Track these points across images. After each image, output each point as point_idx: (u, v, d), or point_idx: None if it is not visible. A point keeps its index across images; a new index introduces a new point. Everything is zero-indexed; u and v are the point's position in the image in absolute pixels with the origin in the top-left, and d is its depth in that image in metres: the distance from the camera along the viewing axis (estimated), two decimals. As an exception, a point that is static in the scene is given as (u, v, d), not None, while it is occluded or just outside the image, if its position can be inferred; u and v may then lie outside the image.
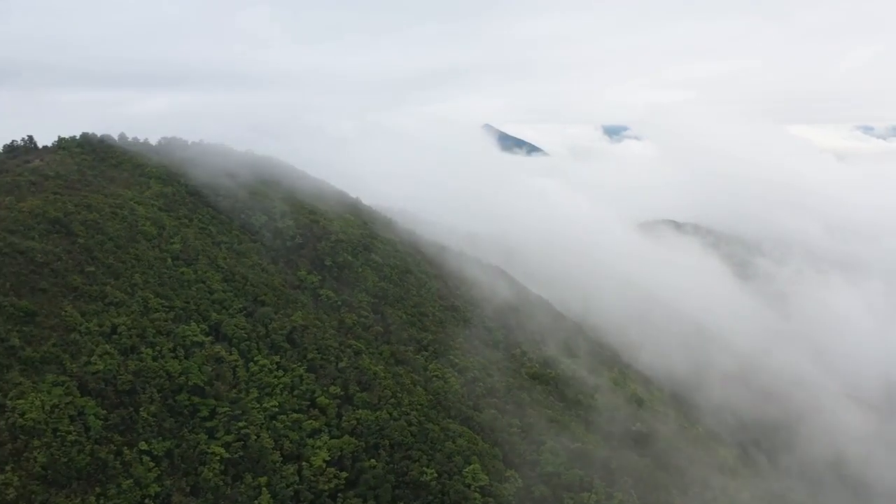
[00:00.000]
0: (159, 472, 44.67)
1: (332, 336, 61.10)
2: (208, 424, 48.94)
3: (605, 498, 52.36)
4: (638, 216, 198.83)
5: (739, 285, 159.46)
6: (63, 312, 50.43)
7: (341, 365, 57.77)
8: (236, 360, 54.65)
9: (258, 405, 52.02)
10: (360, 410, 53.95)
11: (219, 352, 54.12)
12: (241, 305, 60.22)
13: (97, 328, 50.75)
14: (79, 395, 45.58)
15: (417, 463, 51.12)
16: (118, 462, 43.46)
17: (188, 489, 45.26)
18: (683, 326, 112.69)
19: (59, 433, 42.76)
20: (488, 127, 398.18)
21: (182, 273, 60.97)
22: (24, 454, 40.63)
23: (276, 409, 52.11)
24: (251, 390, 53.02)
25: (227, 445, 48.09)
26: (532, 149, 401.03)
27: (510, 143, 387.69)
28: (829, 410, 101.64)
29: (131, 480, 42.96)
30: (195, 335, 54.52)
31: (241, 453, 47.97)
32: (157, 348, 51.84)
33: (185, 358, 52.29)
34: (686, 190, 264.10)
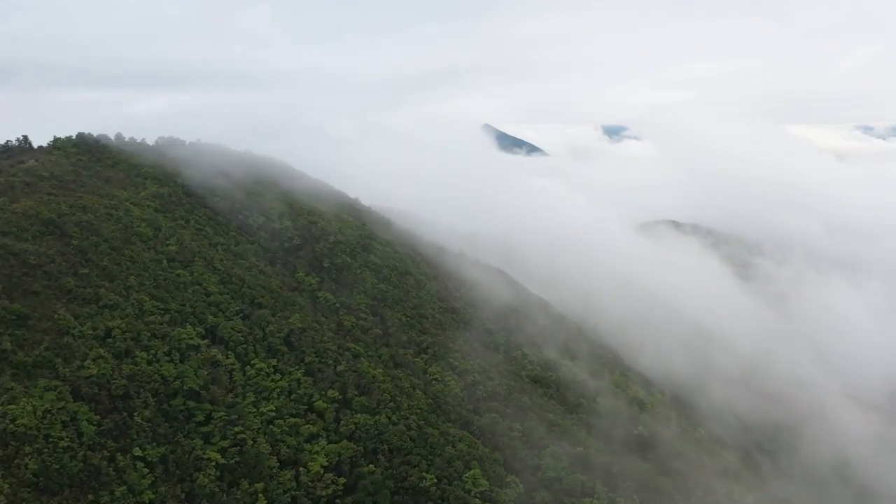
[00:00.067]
0: (153, 479, 43.86)
1: (331, 339, 60.27)
2: (204, 429, 48.12)
3: None
4: (638, 216, 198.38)
5: (740, 286, 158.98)
6: (56, 315, 49.56)
7: (339, 368, 56.95)
8: (233, 364, 53.81)
9: (255, 409, 51.20)
10: (359, 415, 53.14)
11: (215, 355, 53.28)
12: (237, 308, 59.37)
13: (91, 331, 49.89)
14: (71, 400, 44.72)
15: (417, 468, 50.34)
16: (111, 468, 42.64)
17: (183, 496, 44.43)
18: (684, 327, 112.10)
19: (51, 439, 41.91)
20: (488, 127, 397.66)
21: (178, 275, 60.10)
22: (15, 461, 39.78)
23: (273, 414, 51.29)
24: (248, 394, 52.19)
25: (223, 451, 47.28)
26: (532, 149, 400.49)
27: (510, 143, 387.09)
28: (832, 412, 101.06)
29: (125, 487, 42.13)
30: (191, 338, 53.67)
31: (238, 459, 47.17)
32: (152, 352, 50.99)
33: (180, 361, 51.44)
34: (686, 190, 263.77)
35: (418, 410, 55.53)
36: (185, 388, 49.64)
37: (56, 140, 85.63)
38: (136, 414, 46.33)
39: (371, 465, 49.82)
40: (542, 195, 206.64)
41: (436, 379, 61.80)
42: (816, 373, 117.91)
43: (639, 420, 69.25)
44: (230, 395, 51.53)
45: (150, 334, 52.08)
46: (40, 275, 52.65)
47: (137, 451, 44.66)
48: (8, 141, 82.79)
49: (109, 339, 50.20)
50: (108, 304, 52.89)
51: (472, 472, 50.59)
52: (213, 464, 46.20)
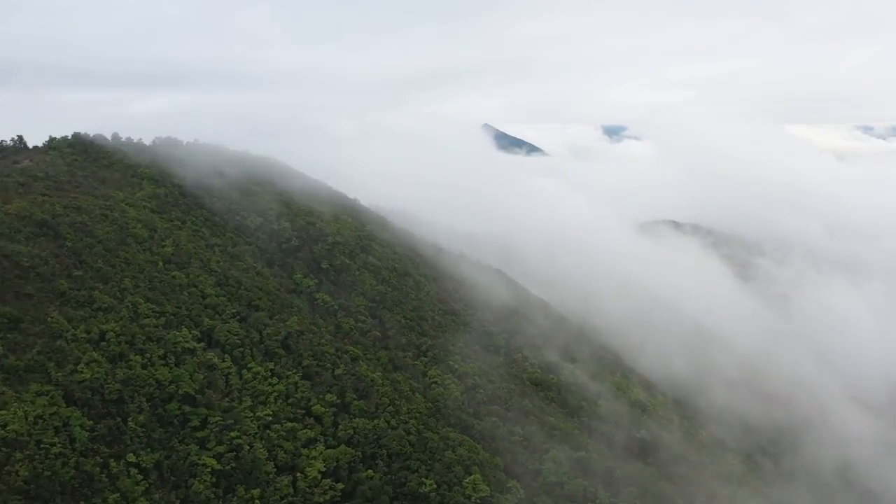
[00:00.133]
0: (147, 486, 43.03)
1: (329, 342, 59.45)
2: (199, 435, 47.28)
3: (610, 509, 50.85)
4: (638, 216, 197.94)
5: (740, 286, 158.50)
6: (49, 319, 48.70)
7: (338, 372, 56.12)
8: (229, 368, 52.97)
9: (251, 414, 50.36)
10: (357, 419, 52.33)
11: (211, 359, 52.44)
12: (234, 310, 58.52)
13: (84, 335, 49.02)
14: (64, 406, 43.88)
15: (416, 473, 49.57)
16: (104, 475, 41.80)
17: (178, 503, 43.58)
18: (684, 328, 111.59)
19: (42, 445, 41.07)
20: (488, 127, 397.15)
21: (174, 277, 59.24)
22: (6, 468, 38.92)
23: (270, 418, 50.46)
24: (244, 398, 51.35)
25: (218, 456, 46.45)
26: (532, 149, 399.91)
27: (510, 143, 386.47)
28: (834, 414, 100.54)
29: (118, 494, 41.30)
30: (186, 341, 52.82)
31: (234, 465, 46.34)
32: (147, 355, 50.14)
33: (175, 365, 50.60)
34: (686, 190, 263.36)
35: (418, 414, 54.73)
36: (180, 392, 48.80)
37: (51, 140, 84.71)
38: (130, 419, 45.50)
39: (370, 471, 49.03)
40: (542, 195, 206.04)
41: (435, 382, 61.01)
42: (817, 374, 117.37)
43: (640, 423, 68.50)
44: (226, 399, 50.69)
45: (144, 337, 51.23)
46: (33, 277, 51.77)
47: (131, 457, 43.83)
48: (2, 141, 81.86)
49: (103, 343, 49.34)
50: (102, 307, 52.03)
51: (472, 477, 49.81)
52: (209, 470, 45.38)
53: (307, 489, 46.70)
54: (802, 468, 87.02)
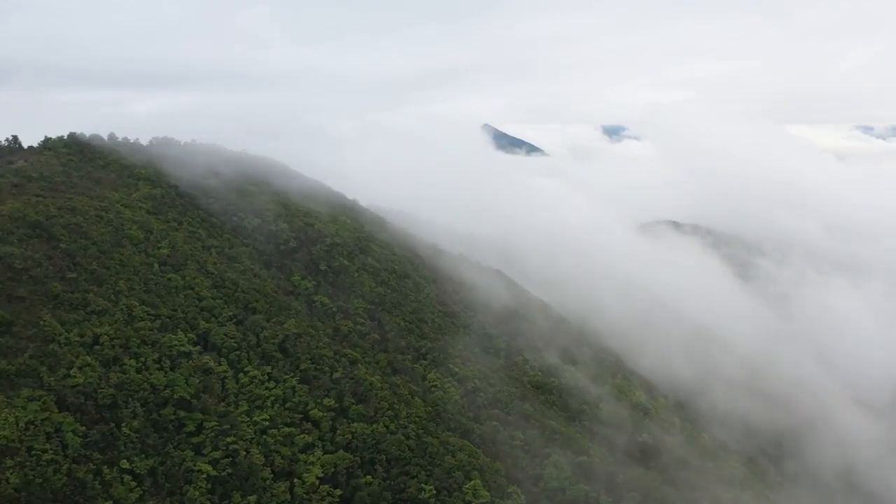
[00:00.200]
0: (141, 492, 42.16)
1: (327, 345, 58.62)
2: (195, 440, 46.44)
3: (612, 515, 50.10)
4: (638, 216, 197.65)
5: (740, 286, 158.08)
6: (42, 322, 47.82)
7: (336, 375, 55.31)
8: (225, 371, 52.11)
9: (248, 419, 49.52)
10: (356, 424, 51.52)
11: (207, 362, 51.58)
12: (231, 313, 57.67)
13: (78, 338, 48.15)
14: (56, 411, 43.01)
15: (415, 479, 48.80)
16: (97, 482, 40.92)
17: (172, 510, 42.75)
18: (685, 328, 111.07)
19: (34, 452, 40.21)
20: (488, 127, 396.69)
21: (169, 279, 58.38)
22: (-4, 475, 38.07)
23: (267, 423, 49.63)
24: (241, 403, 50.51)
25: (214, 462, 45.60)
26: (532, 149, 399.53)
27: (510, 143, 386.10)
28: (836, 416, 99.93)
29: (111, 502, 40.43)
30: (182, 345, 51.96)
31: (230, 470, 45.48)
32: (142, 359, 49.27)
33: (170, 369, 49.74)
34: (686, 190, 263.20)
35: (417, 419, 53.93)
36: (175, 396, 47.94)
37: (47, 140, 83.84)
38: (123, 424, 44.62)
39: (368, 476, 48.25)
40: (542, 195, 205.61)
41: (435, 386, 60.22)
42: (819, 375, 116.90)
43: (642, 427, 67.76)
44: (222, 403, 49.83)
45: (139, 341, 50.36)
46: (26, 279, 50.89)
47: (125, 464, 42.96)
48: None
49: (97, 347, 48.46)
50: (96, 310, 51.15)
51: (472, 482, 49.04)
52: (204, 476, 44.52)
53: (305, 495, 45.88)
54: (805, 471, 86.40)
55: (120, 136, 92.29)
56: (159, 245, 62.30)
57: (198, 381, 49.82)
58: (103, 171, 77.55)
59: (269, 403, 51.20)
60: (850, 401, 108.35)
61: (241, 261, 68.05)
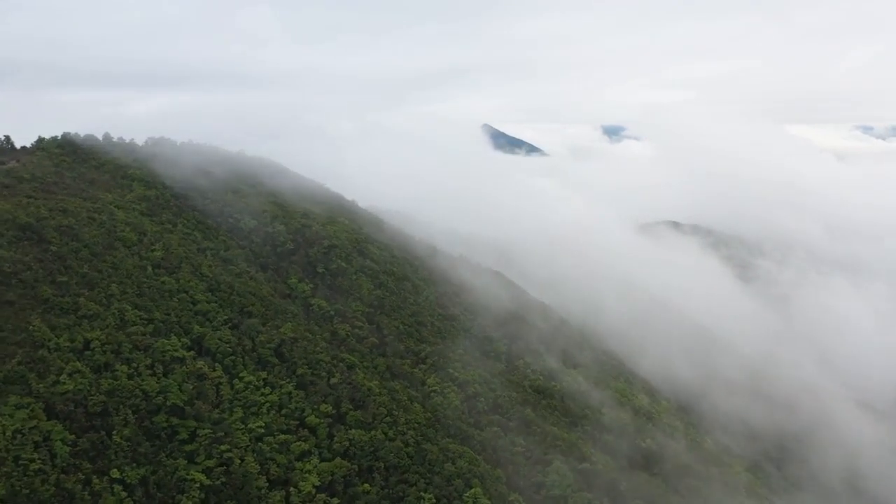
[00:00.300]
0: (132, 503, 40.94)
1: (324, 349, 57.45)
2: (188, 448, 45.24)
3: (616, 523, 48.99)
4: (638, 217, 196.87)
5: (741, 287, 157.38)
6: (31, 327, 46.61)
7: (333, 381, 54.15)
8: (220, 377, 50.91)
9: (243, 426, 48.33)
10: (353, 430, 50.37)
11: (201, 368, 50.38)
12: (225, 317, 56.46)
13: (68, 344, 46.95)
14: (45, 419, 41.81)
15: (415, 487, 47.68)
16: (87, 492, 39.74)
17: (164, 521, 41.59)
18: (685, 329, 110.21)
19: (21, 461, 39.00)
20: (488, 127, 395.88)
21: (163, 282, 57.15)
22: (-19, 486, 36.88)
23: (263, 431, 48.45)
24: (235, 410, 49.31)
25: (207, 471, 44.40)
26: (531, 149, 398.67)
27: (510, 143, 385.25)
28: (839, 418, 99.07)
29: (101, 513, 39.24)
30: (175, 350, 50.75)
31: (224, 479, 44.31)
32: (134, 365, 48.06)
33: (163, 375, 48.53)
34: (685, 190, 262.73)
35: (416, 425, 52.79)
36: (168, 403, 46.74)
37: (40, 140, 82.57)
38: (114, 432, 43.42)
39: (366, 485, 47.13)
40: (542, 196, 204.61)
41: (434, 391, 59.07)
42: (820, 376, 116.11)
43: (645, 432, 66.66)
44: (216, 410, 48.63)
45: (131, 346, 49.15)
46: (15, 283, 49.66)
47: (115, 473, 41.76)
48: (-11, 141, 79.66)
49: (87, 352, 47.26)
50: (87, 315, 49.93)
51: (472, 490, 47.94)
52: (198, 485, 43.32)
53: (301, 505, 44.72)
54: (809, 475, 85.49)
55: (119, 136, 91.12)
56: (153, 247, 61.07)
57: (191, 387, 48.61)
58: (97, 171, 76.29)
59: (264, 410, 50.03)
60: (852, 403, 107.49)
61: (237, 263, 66.83)
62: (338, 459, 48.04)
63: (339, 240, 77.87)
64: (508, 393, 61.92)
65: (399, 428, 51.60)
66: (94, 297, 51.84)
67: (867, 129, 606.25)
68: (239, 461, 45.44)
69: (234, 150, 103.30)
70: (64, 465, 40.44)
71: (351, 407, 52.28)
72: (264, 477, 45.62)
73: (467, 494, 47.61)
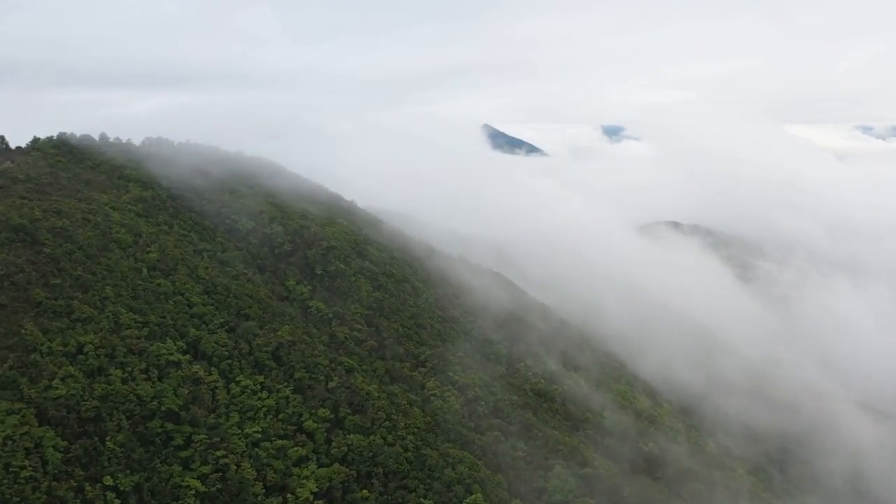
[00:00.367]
0: (126, 511, 40.15)
1: (322, 353, 56.62)
2: (183, 454, 44.42)
3: (618, 529, 48.22)
4: (638, 217, 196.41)
5: (741, 287, 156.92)
6: (23, 330, 45.77)
7: (331, 385, 53.33)
8: (216, 381, 50.07)
9: (239, 431, 47.50)
10: (352, 435, 49.56)
11: (196, 372, 49.55)
12: (222, 320, 55.62)
13: (60, 348, 46.10)
14: (36, 425, 40.99)
15: (414, 493, 46.90)
16: (79, 500, 38.98)
17: (159, 529, 40.78)
18: (686, 330, 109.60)
19: (11, 468, 38.19)
20: (487, 127, 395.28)
21: (158, 285, 56.31)
22: (-29, 495, 36.09)
23: (259, 436, 47.62)
24: (231, 414, 48.49)
25: (203, 478, 43.59)
26: (531, 149, 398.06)
27: (510, 143, 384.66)
28: (841, 420, 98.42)
29: (93, 522, 38.45)
30: (171, 354, 49.92)
31: (220, 486, 43.49)
32: (128, 369, 47.22)
33: (158, 380, 47.70)
34: (686, 190, 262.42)
35: (415, 430, 52.00)
36: (162, 408, 45.92)
37: (35, 140, 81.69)
38: (107, 438, 42.60)
39: (365, 491, 46.33)
40: (542, 196, 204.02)
41: (434, 394, 58.25)
42: (821, 377, 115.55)
43: (647, 435, 65.91)
44: (212, 415, 47.80)
45: (125, 350, 48.31)
46: (7, 286, 48.82)
47: (108, 480, 40.95)
48: (-17, 141, 78.76)
49: (81, 356, 46.42)
50: (80, 318, 49.10)
51: (473, 496, 47.16)
52: (193, 492, 42.51)
53: (298, 512, 43.90)
54: (811, 477, 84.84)
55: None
56: (148, 249, 60.22)
57: (187, 391, 47.78)
58: (92, 172, 75.46)
59: (261, 414, 49.20)
60: (854, 404, 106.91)
61: (234, 265, 65.98)
62: (336, 465, 47.25)
63: (338, 241, 77.04)
64: (509, 396, 61.13)
65: (398, 433, 50.81)
66: (87, 299, 51.01)
67: (867, 129, 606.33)
68: (235, 467, 44.63)
69: (233, 151, 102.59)
70: (56, 472, 39.64)
71: (349, 411, 51.48)
72: (261, 483, 44.80)
73: (468, 500, 46.85)
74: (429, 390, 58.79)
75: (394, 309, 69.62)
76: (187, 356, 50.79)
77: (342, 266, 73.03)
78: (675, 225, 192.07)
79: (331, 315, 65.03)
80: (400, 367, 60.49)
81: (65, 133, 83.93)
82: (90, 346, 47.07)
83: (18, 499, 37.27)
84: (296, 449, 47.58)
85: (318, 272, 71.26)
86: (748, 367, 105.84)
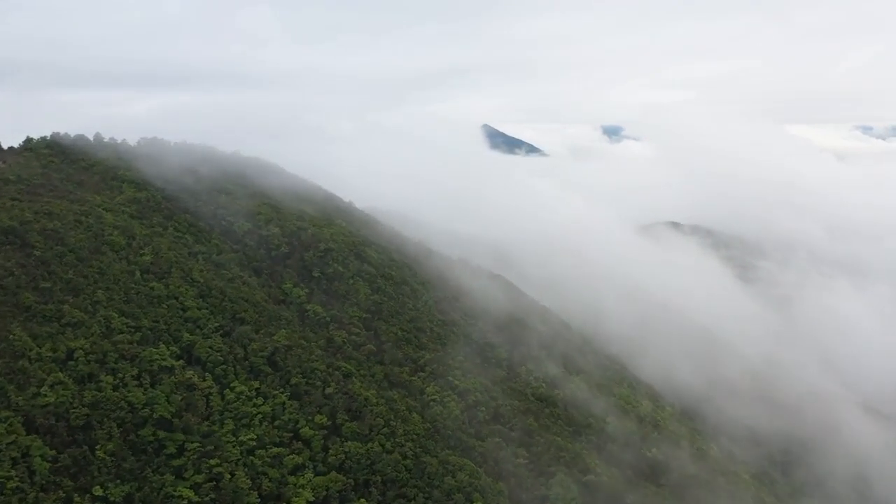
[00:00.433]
0: (116, 522, 39.00)
1: (319, 357, 55.44)
2: (175, 463, 43.24)
3: (622, 538, 47.15)
4: (638, 217, 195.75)
5: (742, 288, 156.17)
6: (11, 336, 44.54)
7: (328, 390, 52.16)
8: (210, 387, 48.89)
9: (234, 439, 46.32)
10: (349, 442, 48.42)
11: (190, 378, 48.35)
12: (217, 324, 54.41)
13: (50, 353, 44.89)
14: (24, 433, 39.79)
15: (413, 502, 45.86)
16: (67, 512, 37.75)
17: (150, 541, 39.61)
18: (687, 331, 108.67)
19: (-3, 480, 36.99)
20: (487, 127, 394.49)
21: (151, 288, 55.07)
22: (-46, 507, 34.91)
23: (254, 443, 46.46)
24: (226, 422, 47.29)
25: (196, 487, 42.42)
26: (531, 149, 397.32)
27: (510, 143, 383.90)
28: (844, 421, 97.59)
29: (82, 534, 37.26)
30: (163, 359, 48.71)
31: (213, 496, 42.35)
32: (119, 375, 46.01)
33: (150, 386, 46.49)
34: (686, 191, 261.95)
35: (415, 436, 50.87)
36: (155, 416, 44.71)
37: (28, 141, 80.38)
38: (97, 447, 41.41)
39: (362, 500, 45.25)
40: (542, 196, 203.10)
41: (434, 400, 57.12)
42: (823, 378, 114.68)
43: (650, 441, 64.83)
44: (206, 422, 46.60)
45: (117, 355, 47.09)
46: (-5, 290, 47.57)
47: (98, 491, 39.78)
48: (-26, 142, 77.42)
49: (71, 362, 45.22)
50: (71, 322, 47.87)
51: (473, 505, 46.05)
52: (185, 502, 41.37)
53: (294, 522, 42.77)
54: (814, 480, 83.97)
55: (111, 136, 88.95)
56: (142, 252, 58.99)
57: (180, 398, 46.58)
58: (85, 173, 74.19)
59: (256, 421, 48.03)
60: (856, 405, 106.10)
61: (230, 268, 64.76)
62: (333, 473, 46.13)
63: (336, 243, 75.86)
64: (510, 401, 60.03)
65: (397, 439, 49.68)
66: (78, 304, 49.79)
67: (867, 129, 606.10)
68: (229, 476, 43.47)
69: (230, 151, 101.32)
70: (43, 482, 38.47)
71: (347, 418, 50.34)
72: (256, 492, 43.65)
73: (468, 509, 45.72)
74: (428, 395, 57.66)
75: (392, 312, 68.46)
76: (181, 361, 49.62)
77: (340, 268, 71.85)
78: (676, 225, 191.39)
79: (328, 318, 63.86)
80: (399, 372, 59.35)
81: (58, 133, 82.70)
82: (80, 351, 45.86)
83: (4, 511, 36.13)
84: (292, 457, 46.44)
85: (316, 274, 70.06)
86: (749, 368, 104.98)
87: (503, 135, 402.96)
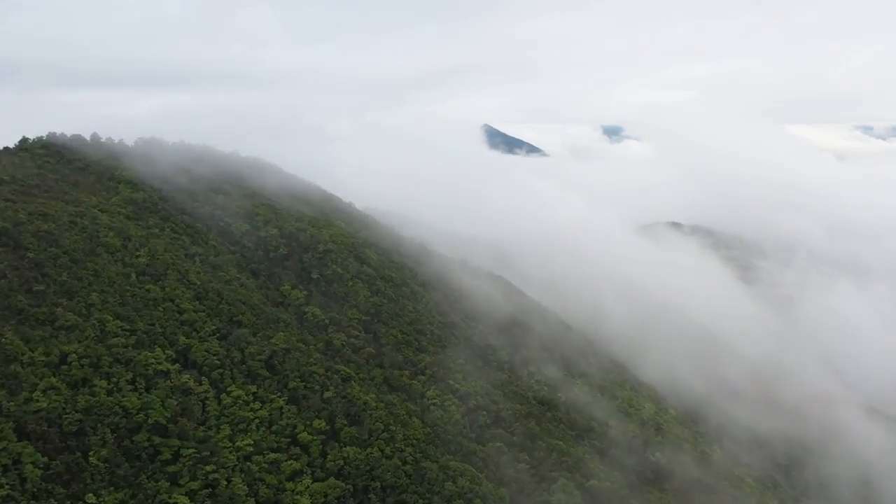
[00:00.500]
0: (110, 531, 38.14)
1: (318, 361, 54.58)
2: (170, 469, 42.38)
3: (626, 545, 46.38)
4: (638, 217, 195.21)
5: (742, 288, 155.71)
6: (3, 339, 43.60)
7: (327, 395, 51.30)
8: (206, 392, 48.01)
9: (230, 444, 45.46)
10: (348, 448, 47.58)
11: (186, 382, 47.48)
12: (213, 327, 53.54)
13: (43, 358, 43.98)
14: (15, 440, 38.85)
15: (413, 509, 44.93)
16: (60, 521, 36.88)
17: (144, 550, 38.76)
18: (688, 332, 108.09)
19: (-12, 488, 36.12)
20: (487, 127, 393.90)
21: (147, 290, 54.20)
22: (-57, 516, 34.05)
23: (251, 449, 45.60)
24: (222, 427, 46.43)
25: (192, 494, 41.57)
26: (531, 149, 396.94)
27: (510, 143, 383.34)
28: (847, 423, 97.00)
29: (75, 543, 36.41)
30: (159, 363, 47.83)
31: (209, 503, 41.46)
32: (114, 380, 45.12)
33: (145, 390, 45.61)
34: (686, 191, 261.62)
35: (415, 441, 50.03)
36: (150, 421, 43.83)
37: (23, 141, 79.46)
38: (91, 453, 40.52)
39: (362, 506, 44.38)
40: (542, 196, 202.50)
41: (434, 404, 56.27)
42: (825, 378, 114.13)
43: (653, 444, 64.04)
44: (202, 428, 45.73)
45: (111, 359, 46.18)
46: (-13, 293, 46.69)
47: (91, 498, 38.88)
48: (-31, 142, 76.50)
49: (64, 367, 44.31)
50: (64, 326, 46.97)
51: (474, 511, 45.23)
52: (181, 510, 40.49)
53: (292, 529, 41.94)
54: (817, 483, 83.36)
55: (113, 136, 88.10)
56: (137, 253, 58.09)
57: (175, 402, 45.70)
58: (81, 173, 73.28)
59: (253, 427, 47.16)
60: (857, 406, 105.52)
61: (227, 269, 63.88)
62: (331, 479, 45.27)
63: (335, 244, 75.01)
64: (511, 405, 59.20)
65: (397, 444, 48.85)
66: (72, 306, 48.89)
67: (867, 129, 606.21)
68: (226, 482, 42.62)
69: (229, 151, 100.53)
70: (35, 490, 37.56)
71: (346, 422, 49.49)
72: (253, 499, 42.78)
73: (469, 516, 44.92)
74: (428, 399, 56.82)
75: (392, 314, 67.63)
76: (176, 365, 48.72)
77: (339, 270, 71.00)
78: (676, 225, 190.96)
79: (327, 321, 63.01)
80: (399, 376, 58.51)
81: (55, 133, 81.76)
82: (74, 355, 44.97)
83: (-6, 520, 35.29)
84: (290, 462, 45.59)
85: (315, 276, 69.21)
86: (751, 369, 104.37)
87: (503, 135, 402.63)
